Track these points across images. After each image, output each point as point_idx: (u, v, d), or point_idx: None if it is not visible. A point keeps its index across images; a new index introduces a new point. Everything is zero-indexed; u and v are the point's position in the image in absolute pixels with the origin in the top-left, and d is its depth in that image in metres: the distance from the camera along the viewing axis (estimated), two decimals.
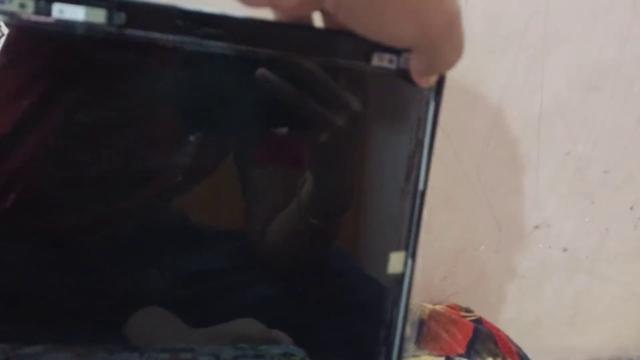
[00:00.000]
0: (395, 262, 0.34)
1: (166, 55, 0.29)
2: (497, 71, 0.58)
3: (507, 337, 0.61)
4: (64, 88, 0.30)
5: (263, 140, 0.37)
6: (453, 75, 0.57)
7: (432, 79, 0.30)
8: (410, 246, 0.34)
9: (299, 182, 0.37)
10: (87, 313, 0.37)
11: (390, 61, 0.31)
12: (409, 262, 0.34)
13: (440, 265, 0.66)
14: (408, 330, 0.56)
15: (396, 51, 0.31)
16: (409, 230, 0.34)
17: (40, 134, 0.32)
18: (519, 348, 0.60)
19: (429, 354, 0.52)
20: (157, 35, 0.27)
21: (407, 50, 0.30)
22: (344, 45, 0.30)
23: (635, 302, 0.76)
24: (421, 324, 0.57)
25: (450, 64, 0.28)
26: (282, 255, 0.39)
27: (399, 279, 0.34)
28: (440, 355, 0.51)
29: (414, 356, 0.51)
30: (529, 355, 0.68)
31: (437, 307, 0.63)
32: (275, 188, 0.39)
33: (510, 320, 0.70)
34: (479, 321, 0.63)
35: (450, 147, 0.60)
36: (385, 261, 0.34)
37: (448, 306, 0.65)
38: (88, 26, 0.26)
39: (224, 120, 0.35)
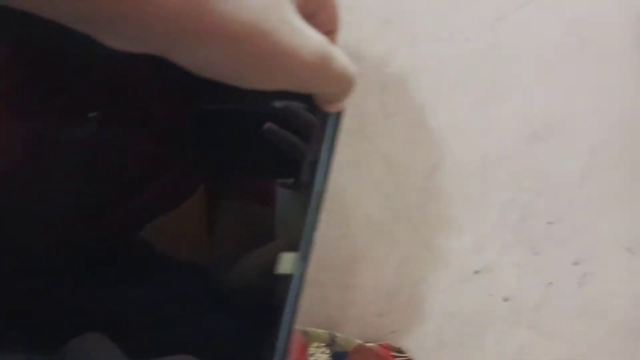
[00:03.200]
0: (285, 262, 0.34)
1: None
2: (443, 112, 0.59)
3: None
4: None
5: (241, 178, 0.38)
6: (402, 107, 0.58)
7: (340, 105, 0.31)
8: (301, 247, 0.34)
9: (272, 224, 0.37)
10: (26, 333, 0.36)
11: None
12: (300, 263, 0.34)
13: (376, 300, 0.65)
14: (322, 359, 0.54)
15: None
16: (302, 232, 0.34)
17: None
18: None
19: None
20: None
21: None
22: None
23: None
24: (343, 356, 0.56)
25: (342, 93, 0.28)
26: (244, 291, 0.39)
27: (287, 280, 0.34)
28: None
29: None
30: None
31: (369, 344, 0.61)
32: (247, 226, 0.39)
33: None
34: None
35: (393, 180, 0.60)
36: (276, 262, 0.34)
37: (381, 344, 0.63)
38: None
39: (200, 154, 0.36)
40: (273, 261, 0.35)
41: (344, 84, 0.27)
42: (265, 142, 0.34)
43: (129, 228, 0.38)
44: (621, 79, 0.65)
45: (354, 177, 0.59)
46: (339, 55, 0.26)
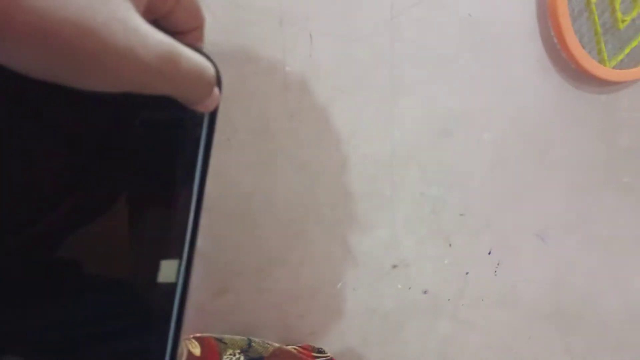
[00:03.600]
0: (166, 270, 0.33)
1: None
2: (347, 110, 0.60)
3: None
4: None
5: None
6: (306, 106, 0.58)
7: (208, 105, 0.30)
8: (182, 254, 0.33)
9: None
10: None
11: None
12: (182, 271, 0.33)
13: (296, 302, 0.64)
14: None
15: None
16: (181, 238, 0.33)
17: None
18: None
19: None
20: None
21: None
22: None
23: (502, 351, 0.77)
24: None
25: (200, 95, 0.27)
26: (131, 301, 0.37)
27: (170, 289, 0.33)
28: None
29: None
30: None
31: (288, 346, 0.61)
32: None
33: None
34: None
35: (302, 180, 0.60)
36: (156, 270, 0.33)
37: (301, 346, 0.63)
38: None
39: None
40: (151, 268, 0.34)
41: (198, 84, 0.26)
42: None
43: (42, 245, 0.35)
44: (520, 73, 0.68)
45: (261, 180, 0.58)
46: (190, 55, 0.25)
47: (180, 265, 0.33)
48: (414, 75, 0.61)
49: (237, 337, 0.59)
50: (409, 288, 0.69)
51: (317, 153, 0.60)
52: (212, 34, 0.53)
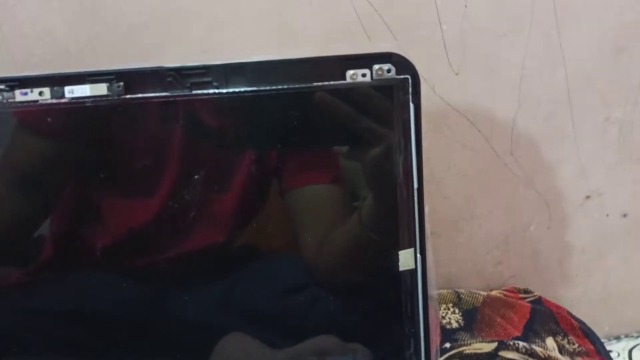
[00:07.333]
0: (405, 259, 0.36)
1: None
2: (512, 53, 0.58)
3: (569, 313, 0.60)
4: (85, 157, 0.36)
5: (299, 163, 0.40)
6: (468, 64, 0.58)
7: None
8: (416, 243, 0.36)
9: (348, 199, 0.40)
10: (169, 347, 0.41)
11: (364, 75, 0.33)
12: (419, 257, 0.36)
13: (492, 251, 0.66)
14: (454, 319, 0.57)
15: (367, 65, 0.33)
16: (412, 228, 0.36)
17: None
18: (582, 323, 0.59)
19: (482, 341, 0.52)
20: (152, 94, 0.32)
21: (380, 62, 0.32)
22: (319, 68, 0.34)
23: None
24: (474, 312, 0.58)
25: None
26: (341, 270, 0.41)
27: (411, 274, 0.37)
28: (493, 341, 0.52)
29: (464, 345, 0.52)
30: (602, 330, 0.66)
31: (493, 292, 0.63)
32: (323, 206, 0.42)
33: (577, 297, 0.68)
34: (538, 301, 0.62)
35: (478, 134, 0.60)
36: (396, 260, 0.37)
37: (505, 290, 0.65)
38: (94, 99, 0.31)
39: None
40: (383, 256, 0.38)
41: None
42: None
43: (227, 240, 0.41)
44: None
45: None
46: None
47: (415, 252, 0.37)
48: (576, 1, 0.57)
49: (444, 291, 0.62)
50: (607, 215, 0.66)
51: (487, 105, 0.60)
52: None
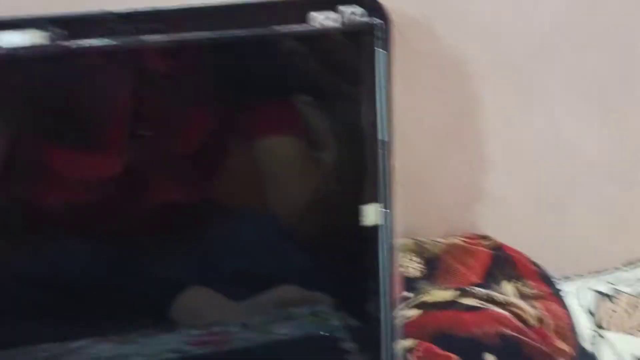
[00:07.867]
0: (369, 214, 0.36)
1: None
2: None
3: (528, 258, 0.61)
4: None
5: (259, 114, 0.38)
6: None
7: None
8: (384, 197, 0.35)
9: (311, 151, 0.38)
10: (129, 303, 0.39)
11: (334, 20, 0.31)
12: (384, 212, 0.36)
13: (454, 198, 0.66)
14: (413, 270, 0.57)
15: (332, 7, 0.31)
16: (378, 182, 0.35)
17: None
18: (539, 267, 0.61)
19: (441, 289, 0.53)
20: (96, 42, 0.29)
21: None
22: (278, 12, 0.31)
23: None
24: (434, 259, 0.59)
25: None
26: (304, 223, 0.41)
27: (376, 228, 0.36)
28: (453, 289, 0.53)
29: (424, 293, 0.52)
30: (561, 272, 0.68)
31: (454, 239, 0.63)
32: (285, 159, 0.40)
33: (537, 243, 0.69)
34: (498, 248, 0.63)
35: (448, 83, 0.59)
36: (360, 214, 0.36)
37: (466, 237, 0.65)
38: (32, 48, 0.28)
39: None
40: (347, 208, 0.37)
41: None
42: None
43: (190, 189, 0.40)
44: None
45: None
46: None
47: (381, 207, 0.36)
48: None
49: (406, 240, 0.63)
50: (571, 163, 0.67)
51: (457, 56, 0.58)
52: None
